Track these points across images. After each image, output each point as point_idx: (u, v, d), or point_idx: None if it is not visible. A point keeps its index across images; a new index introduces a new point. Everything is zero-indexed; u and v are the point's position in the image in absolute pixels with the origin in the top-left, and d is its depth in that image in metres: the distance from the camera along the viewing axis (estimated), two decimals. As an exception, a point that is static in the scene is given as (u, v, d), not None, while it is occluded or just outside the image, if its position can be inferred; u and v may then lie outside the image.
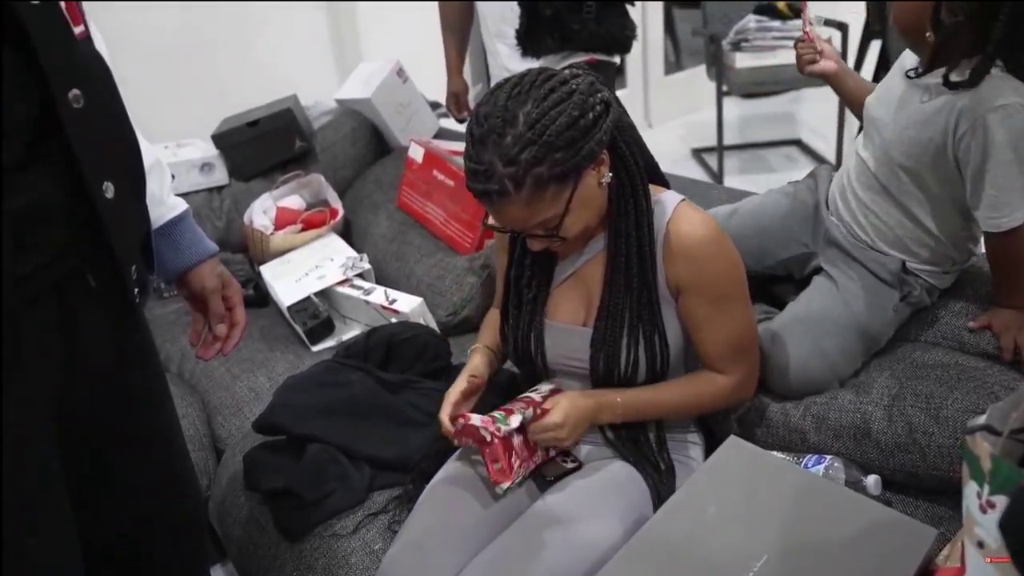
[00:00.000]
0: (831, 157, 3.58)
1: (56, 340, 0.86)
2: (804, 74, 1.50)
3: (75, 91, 0.80)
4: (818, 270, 1.48)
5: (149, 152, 1.01)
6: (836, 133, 3.49)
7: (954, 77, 1.19)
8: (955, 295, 1.42)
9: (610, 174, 1.10)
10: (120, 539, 1.03)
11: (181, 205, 1.10)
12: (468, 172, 1.04)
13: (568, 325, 1.21)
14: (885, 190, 1.34)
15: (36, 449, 0.86)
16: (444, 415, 1.17)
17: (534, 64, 2.11)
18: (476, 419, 1.13)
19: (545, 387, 1.24)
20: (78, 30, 0.84)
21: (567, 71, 1.08)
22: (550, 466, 1.22)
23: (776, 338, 1.39)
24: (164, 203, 1.07)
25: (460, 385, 1.21)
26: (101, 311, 0.91)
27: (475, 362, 1.27)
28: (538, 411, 1.17)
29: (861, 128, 1.46)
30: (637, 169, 1.12)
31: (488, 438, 1.11)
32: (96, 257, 0.88)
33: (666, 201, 1.16)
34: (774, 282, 1.61)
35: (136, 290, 0.94)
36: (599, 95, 1.05)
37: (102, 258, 0.88)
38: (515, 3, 2.08)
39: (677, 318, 1.18)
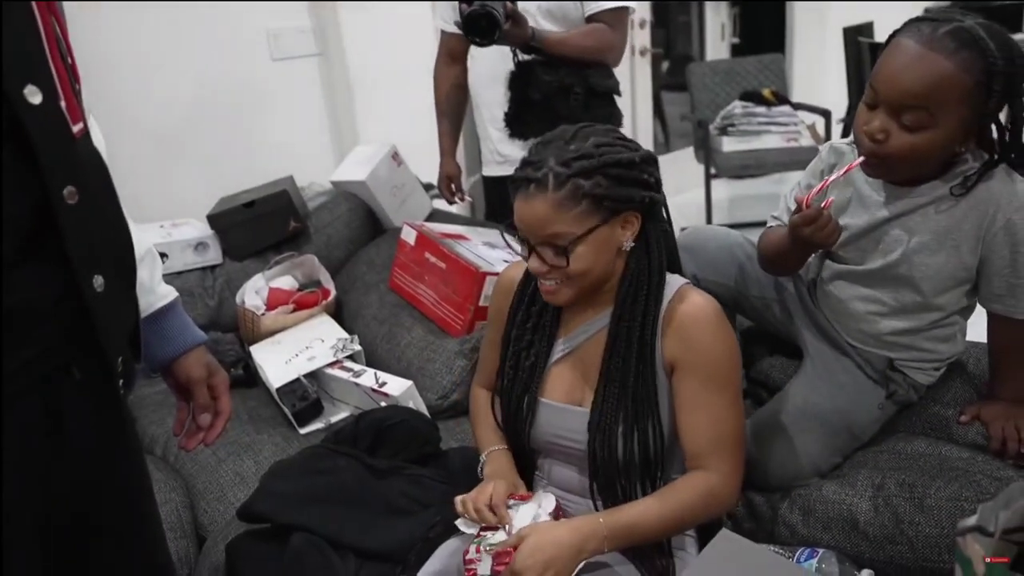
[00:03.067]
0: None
1: (39, 436, 0.85)
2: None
3: (70, 188, 0.80)
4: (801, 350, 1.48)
5: (142, 241, 1.01)
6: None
7: (957, 191, 1.22)
8: (936, 387, 1.42)
9: (631, 243, 1.14)
10: None
11: (171, 294, 1.09)
12: (520, 164, 1.12)
13: (563, 404, 1.20)
14: (876, 299, 1.34)
15: (17, 549, 0.83)
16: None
17: (523, 147, 2.17)
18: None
19: (541, 507, 1.19)
20: (76, 128, 0.85)
21: None
22: None
23: (757, 434, 1.38)
24: (154, 292, 1.06)
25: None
26: (86, 404, 0.90)
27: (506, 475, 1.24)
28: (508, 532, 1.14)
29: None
30: (659, 260, 1.16)
31: None
32: (83, 350, 0.87)
33: (671, 282, 1.18)
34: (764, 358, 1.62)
35: (121, 381, 0.93)
36: (656, 171, 1.15)
37: (89, 350, 0.87)
38: (506, 89, 2.15)
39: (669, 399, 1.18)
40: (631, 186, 1.10)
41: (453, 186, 2.51)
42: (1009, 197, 1.21)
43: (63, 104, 0.82)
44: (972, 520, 0.74)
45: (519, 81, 2.12)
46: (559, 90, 2.05)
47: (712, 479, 1.15)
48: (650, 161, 1.14)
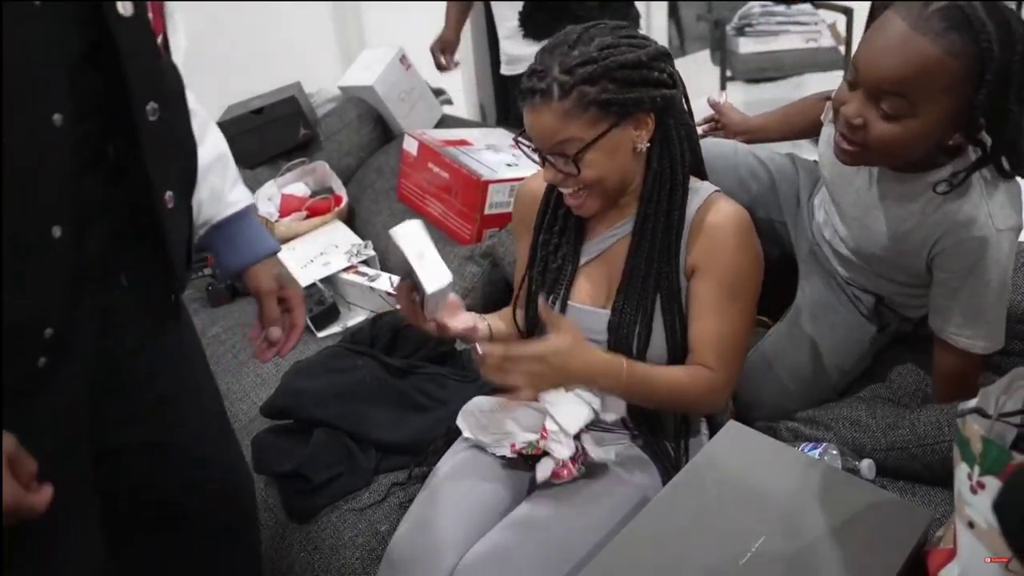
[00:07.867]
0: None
1: (90, 341, 0.85)
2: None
3: (153, 104, 0.81)
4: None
5: (216, 144, 1.01)
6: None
7: (941, 188, 1.11)
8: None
9: (647, 144, 1.11)
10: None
11: (242, 202, 1.06)
12: (526, 73, 1.09)
13: (588, 307, 1.21)
14: (855, 259, 1.31)
15: (68, 463, 0.85)
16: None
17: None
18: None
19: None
20: (159, 38, 0.86)
21: None
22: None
23: (749, 375, 1.35)
24: (223, 200, 1.04)
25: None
26: (137, 312, 0.90)
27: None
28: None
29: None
30: (681, 159, 1.14)
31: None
32: (134, 259, 0.87)
33: (701, 189, 1.17)
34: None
35: (174, 293, 0.94)
36: (670, 66, 1.11)
37: (141, 260, 0.87)
38: None
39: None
40: (640, 87, 1.07)
41: (447, 54, 2.47)
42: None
43: (150, 15, 0.82)
44: (972, 403, 0.76)
45: None
46: None
47: (712, 377, 1.14)
48: (660, 57, 1.09)
